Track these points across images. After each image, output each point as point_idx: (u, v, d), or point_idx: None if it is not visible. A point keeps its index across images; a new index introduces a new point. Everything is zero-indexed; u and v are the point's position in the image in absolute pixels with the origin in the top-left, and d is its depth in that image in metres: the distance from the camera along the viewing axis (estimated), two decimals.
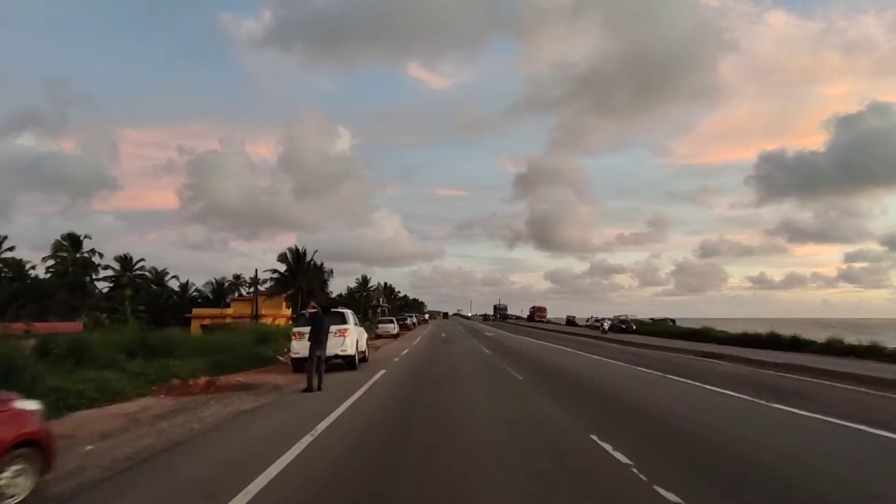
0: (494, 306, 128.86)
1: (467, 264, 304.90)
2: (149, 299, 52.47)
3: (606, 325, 46.00)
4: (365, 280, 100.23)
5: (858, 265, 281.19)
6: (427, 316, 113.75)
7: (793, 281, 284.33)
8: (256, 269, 54.78)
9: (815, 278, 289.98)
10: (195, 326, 43.03)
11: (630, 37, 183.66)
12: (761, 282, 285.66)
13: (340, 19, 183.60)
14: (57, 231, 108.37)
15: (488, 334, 43.86)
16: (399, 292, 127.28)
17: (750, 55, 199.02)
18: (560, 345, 28.76)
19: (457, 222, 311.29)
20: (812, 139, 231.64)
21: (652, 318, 57.63)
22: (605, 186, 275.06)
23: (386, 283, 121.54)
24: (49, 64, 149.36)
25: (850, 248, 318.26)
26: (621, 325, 47.82)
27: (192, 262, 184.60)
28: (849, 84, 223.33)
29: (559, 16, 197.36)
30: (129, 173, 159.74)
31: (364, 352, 18.36)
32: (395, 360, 19.41)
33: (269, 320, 51.54)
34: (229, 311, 51.39)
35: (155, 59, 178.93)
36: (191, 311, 51.46)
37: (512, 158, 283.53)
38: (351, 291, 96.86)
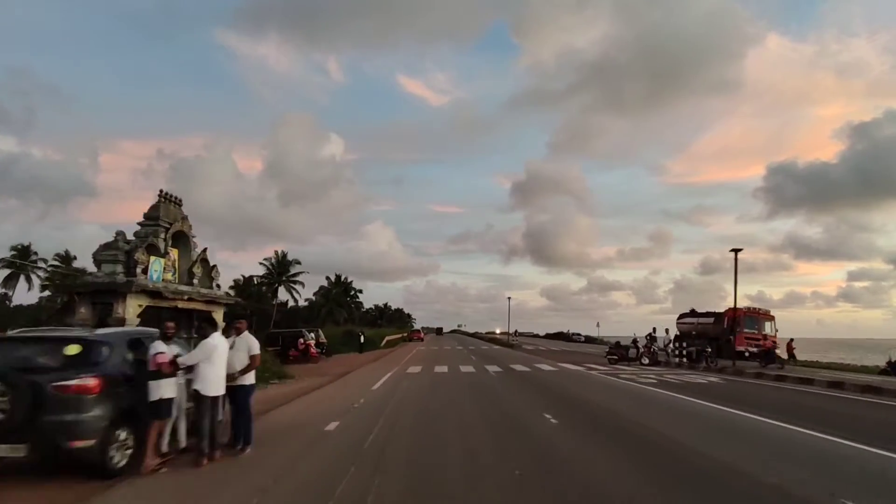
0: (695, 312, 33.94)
1: (462, 280, 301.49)
2: None
3: None
4: (282, 260, 59.93)
5: (860, 284, 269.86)
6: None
7: (792, 300, 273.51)
8: None
9: (815, 297, 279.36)
10: None
11: (639, 26, 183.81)
12: (760, 301, 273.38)
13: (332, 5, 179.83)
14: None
15: None
16: (357, 289, 72.83)
17: (746, 76, 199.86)
18: None
19: (451, 237, 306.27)
20: (819, 153, 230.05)
21: None
22: (603, 203, 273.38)
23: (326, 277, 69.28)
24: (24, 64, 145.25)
25: (854, 266, 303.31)
26: None
27: None
28: (841, 106, 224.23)
29: (563, 3, 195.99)
30: (119, 181, 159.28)
31: None
32: None
33: None
34: None
35: (153, 71, 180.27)
36: None
37: (508, 175, 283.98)
38: (262, 280, 60.00)
